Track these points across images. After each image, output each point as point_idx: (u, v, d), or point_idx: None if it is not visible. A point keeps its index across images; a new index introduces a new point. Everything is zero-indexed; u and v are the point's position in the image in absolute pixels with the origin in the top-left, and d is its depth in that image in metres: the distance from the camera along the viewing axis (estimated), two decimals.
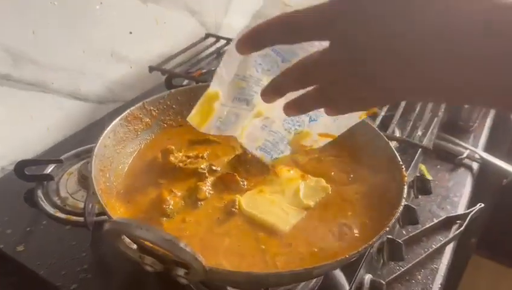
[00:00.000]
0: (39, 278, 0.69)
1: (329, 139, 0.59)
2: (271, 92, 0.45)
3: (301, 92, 0.44)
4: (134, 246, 0.49)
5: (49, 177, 0.87)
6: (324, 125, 0.57)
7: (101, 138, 0.64)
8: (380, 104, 0.43)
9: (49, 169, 0.89)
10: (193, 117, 0.53)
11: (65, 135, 1.03)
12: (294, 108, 0.45)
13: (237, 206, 0.63)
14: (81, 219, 0.76)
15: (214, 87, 0.51)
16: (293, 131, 0.58)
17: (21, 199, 0.83)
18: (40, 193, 0.84)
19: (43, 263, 0.71)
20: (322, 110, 0.44)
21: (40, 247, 0.74)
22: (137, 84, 1.18)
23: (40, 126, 0.98)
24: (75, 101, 1.04)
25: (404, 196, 0.58)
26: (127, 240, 0.47)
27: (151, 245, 0.43)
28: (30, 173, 0.85)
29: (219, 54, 1.23)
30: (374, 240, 0.51)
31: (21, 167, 0.84)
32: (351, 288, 0.68)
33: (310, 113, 0.55)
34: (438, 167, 1.13)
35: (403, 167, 0.63)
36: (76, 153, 0.93)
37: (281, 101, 0.46)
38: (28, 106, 0.94)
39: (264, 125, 0.58)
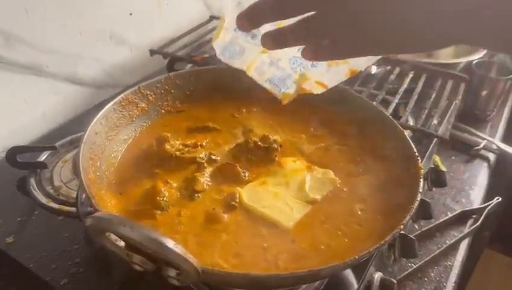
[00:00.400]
0: (29, 271, 0.65)
1: (323, 89, 0.58)
2: (244, 18, 0.44)
3: None
4: (122, 243, 0.44)
5: (43, 165, 0.82)
6: (320, 74, 0.57)
7: (92, 123, 0.59)
8: (356, 53, 0.44)
9: (43, 157, 0.85)
10: (214, 35, 0.56)
11: (61, 121, 0.99)
12: (271, 39, 0.45)
13: (237, 200, 0.58)
14: (74, 209, 0.71)
15: (224, 9, 0.53)
16: (298, 72, 0.58)
17: (13, 188, 0.79)
18: (32, 181, 0.80)
19: (33, 255, 0.67)
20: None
21: (31, 239, 0.70)
22: (138, 68, 1.13)
23: (35, 111, 0.94)
24: (72, 85, 0.99)
25: (420, 190, 0.53)
26: (113, 236, 0.43)
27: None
28: (22, 161, 0.81)
29: None
30: (387, 239, 0.46)
31: (13, 154, 0.80)
32: (359, 287, 0.63)
33: None
34: (453, 158, 1.07)
35: (419, 158, 0.58)
36: (72, 139, 0.88)
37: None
38: (22, 89, 0.89)
39: (271, 62, 0.58)
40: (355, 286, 0.63)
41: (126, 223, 0.36)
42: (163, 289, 0.61)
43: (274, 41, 0.44)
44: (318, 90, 0.58)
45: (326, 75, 0.56)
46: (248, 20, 0.43)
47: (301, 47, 0.46)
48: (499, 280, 1.83)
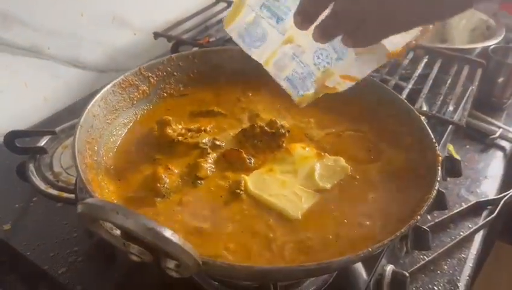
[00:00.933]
0: (27, 259, 0.63)
1: (350, 83, 0.53)
2: (298, 16, 0.45)
3: None
4: (118, 232, 0.41)
5: (42, 151, 0.80)
6: (348, 66, 0.52)
7: (89, 105, 0.56)
8: (389, 30, 0.44)
9: (43, 142, 0.82)
10: (226, 16, 0.53)
11: (63, 106, 0.96)
12: (318, 33, 0.46)
13: (243, 187, 0.55)
14: (73, 196, 0.69)
15: None
16: (322, 68, 0.53)
17: (11, 173, 0.76)
18: (31, 166, 0.77)
19: (31, 243, 0.64)
20: (347, 49, 0.47)
21: (29, 226, 0.68)
22: (142, 52, 1.09)
23: (36, 95, 0.91)
24: (73, 69, 0.96)
25: (438, 179, 0.50)
26: (108, 224, 0.40)
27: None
28: (21, 146, 0.79)
29: None
30: (402, 230, 0.43)
31: (11, 139, 0.77)
32: (370, 280, 0.60)
33: (338, 49, 0.52)
34: (467, 147, 1.03)
35: (437, 145, 0.54)
36: (73, 125, 0.85)
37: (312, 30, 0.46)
38: (22, 72, 0.86)
39: (294, 54, 0.54)
40: (366, 278, 0.60)
41: (120, 210, 0.33)
42: (165, 281, 0.59)
43: (320, 31, 0.45)
44: (343, 85, 0.53)
45: (355, 66, 0.52)
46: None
47: None
48: (510, 272, 1.80)
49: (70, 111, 0.94)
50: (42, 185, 0.74)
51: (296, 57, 0.54)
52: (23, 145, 0.79)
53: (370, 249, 0.41)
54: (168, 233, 0.33)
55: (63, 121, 0.87)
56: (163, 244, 0.33)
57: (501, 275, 1.77)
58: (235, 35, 0.53)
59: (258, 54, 0.54)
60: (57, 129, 0.83)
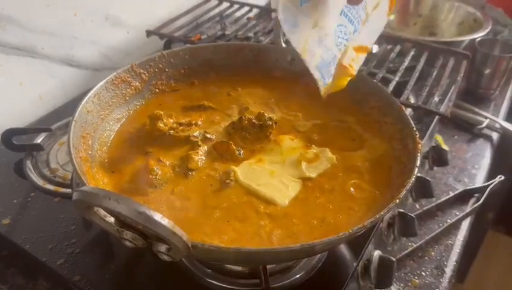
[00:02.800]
0: (26, 252, 0.65)
1: (364, 55, 0.55)
2: None
3: None
4: (112, 219, 0.43)
5: (39, 147, 0.82)
6: (359, 37, 0.53)
7: (83, 102, 0.58)
8: None
9: (39, 139, 0.84)
10: None
11: (59, 104, 0.98)
12: None
13: (232, 177, 0.57)
14: (70, 190, 0.71)
15: None
16: (342, 47, 0.54)
17: (9, 170, 0.79)
18: (29, 163, 0.79)
19: (30, 237, 0.66)
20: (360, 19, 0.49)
21: (27, 220, 0.69)
22: (135, 50, 1.11)
23: (31, 94, 0.93)
24: (68, 68, 0.98)
25: (417, 165, 0.52)
26: (103, 212, 0.42)
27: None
28: (19, 143, 0.81)
29: (222, 17, 1.15)
30: (382, 213, 0.45)
31: (9, 136, 0.79)
32: (358, 265, 0.62)
33: (355, 21, 0.53)
34: (455, 137, 1.06)
35: (417, 133, 0.57)
36: (68, 122, 0.87)
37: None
38: (16, 71, 0.88)
39: (319, 39, 0.53)
40: (354, 264, 0.62)
41: (112, 196, 0.35)
42: (160, 271, 0.61)
43: None
44: (360, 57, 0.54)
45: (365, 32, 0.52)
46: None
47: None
48: (504, 261, 1.82)
49: (65, 109, 0.96)
50: (40, 181, 0.76)
51: (321, 41, 0.54)
52: (20, 142, 0.81)
53: (350, 231, 0.43)
54: (158, 217, 0.36)
55: (58, 119, 0.89)
56: (154, 227, 0.36)
57: (495, 264, 1.80)
58: (280, 16, 0.51)
59: (296, 40, 0.52)
60: (53, 126, 0.85)
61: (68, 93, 1.00)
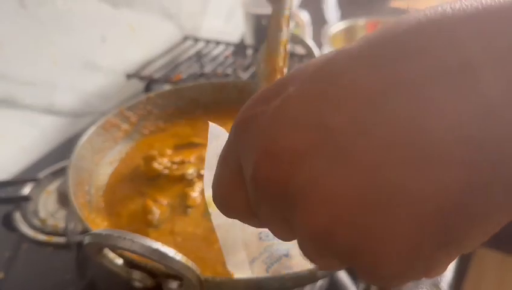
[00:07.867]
0: None
1: None
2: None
3: None
4: (120, 261, 0.44)
5: (27, 198, 0.81)
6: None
7: (77, 148, 0.59)
8: None
9: (27, 190, 0.83)
10: None
11: (41, 153, 0.97)
12: None
13: None
14: (63, 239, 0.70)
15: None
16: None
17: None
18: (18, 215, 0.78)
19: (25, 288, 0.65)
20: None
21: (21, 273, 0.68)
22: (115, 94, 1.12)
23: (14, 146, 0.92)
24: (49, 116, 0.98)
25: None
26: (111, 254, 0.43)
27: (138, 257, 0.39)
28: (5, 196, 0.80)
29: (199, 56, 1.19)
30: None
31: None
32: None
33: None
34: None
35: None
36: (54, 170, 0.87)
37: None
38: None
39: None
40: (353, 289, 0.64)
41: (126, 235, 0.36)
42: None
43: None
44: None
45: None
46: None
47: None
48: (494, 276, 1.84)
49: (49, 157, 0.95)
50: (30, 232, 0.74)
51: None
52: (7, 195, 0.80)
53: None
54: (171, 253, 0.37)
55: (43, 168, 0.88)
56: (168, 262, 0.36)
57: (486, 279, 1.82)
58: None
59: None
60: (39, 175, 0.84)
61: (50, 141, 1.00)
